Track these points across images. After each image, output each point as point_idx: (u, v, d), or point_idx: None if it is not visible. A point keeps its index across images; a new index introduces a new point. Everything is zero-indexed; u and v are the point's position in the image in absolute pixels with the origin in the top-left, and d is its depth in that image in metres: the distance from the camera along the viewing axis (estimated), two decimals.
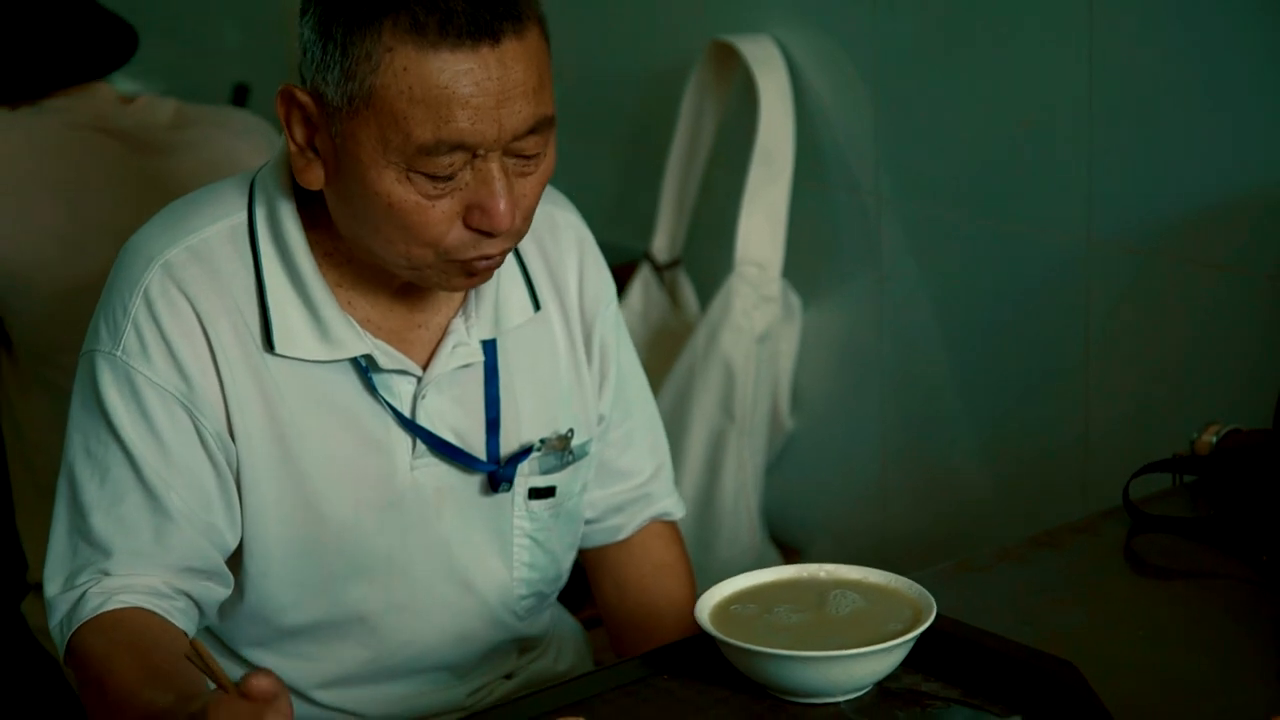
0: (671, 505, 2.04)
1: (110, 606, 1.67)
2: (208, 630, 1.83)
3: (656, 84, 3.08)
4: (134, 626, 1.67)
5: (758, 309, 2.85)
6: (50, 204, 2.41)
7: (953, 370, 2.74)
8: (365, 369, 1.76)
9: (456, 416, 1.81)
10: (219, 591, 1.75)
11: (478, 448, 1.82)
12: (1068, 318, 2.53)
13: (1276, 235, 2.26)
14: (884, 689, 1.62)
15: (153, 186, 2.49)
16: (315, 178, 1.68)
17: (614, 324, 1.96)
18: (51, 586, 1.72)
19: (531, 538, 1.89)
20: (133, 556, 1.70)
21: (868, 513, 2.94)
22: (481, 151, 1.62)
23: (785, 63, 2.85)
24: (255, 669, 1.54)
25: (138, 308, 1.71)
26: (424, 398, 1.78)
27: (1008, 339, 2.65)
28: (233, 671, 1.83)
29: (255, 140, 2.64)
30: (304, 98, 1.65)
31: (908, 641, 1.59)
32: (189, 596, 1.72)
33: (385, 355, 1.76)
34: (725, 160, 3.00)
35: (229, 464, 1.74)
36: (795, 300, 2.93)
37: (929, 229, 2.73)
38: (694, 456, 2.91)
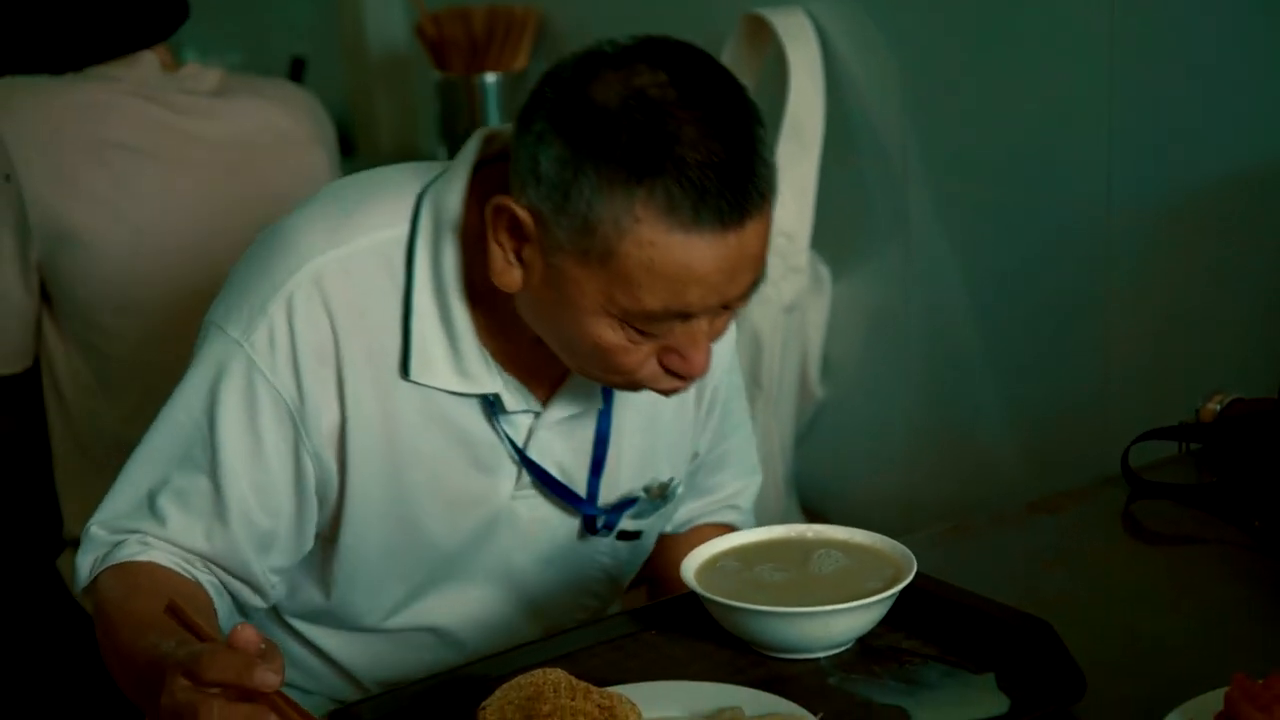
0: (739, 521, 2.07)
1: (143, 558, 1.70)
2: (274, 608, 1.87)
3: None
4: (158, 578, 1.69)
5: (785, 279, 2.88)
6: (93, 168, 2.47)
7: (979, 339, 2.76)
8: (492, 404, 1.76)
9: (564, 453, 1.82)
10: (253, 599, 1.77)
11: (579, 485, 1.84)
12: (1087, 286, 2.55)
13: None
14: (864, 645, 1.65)
15: (195, 154, 2.55)
16: (513, 282, 1.64)
17: (731, 364, 1.96)
18: (95, 523, 1.73)
19: (607, 572, 1.93)
20: (181, 535, 1.71)
21: (895, 480, 2.96)
22: (696, 314, 1.62)
23: (817, 36, 2.87)
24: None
25: (277, 309, 1.69)
26: (538, 432, 1.79)
27: (1032, 308, 2.67)
28: (287, 645, 1.89)
29: (297, 112, 2.69)
30: (524, 216, 1.60)
31: (886, 599, 1.62)
32: (222, 583, 1.75)
33: (511, 395, 1.75)
34: None
35: (322, 479, 1.74)
36: (824, 271, 2.95)
37: (956, 200, 2.75)
38: None
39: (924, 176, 2.78)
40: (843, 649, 1.65)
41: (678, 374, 1.66)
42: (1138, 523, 2.00)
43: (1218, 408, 2.09)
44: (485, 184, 1.70)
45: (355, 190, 1.78)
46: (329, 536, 1.80)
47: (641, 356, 1.64)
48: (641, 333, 1.61)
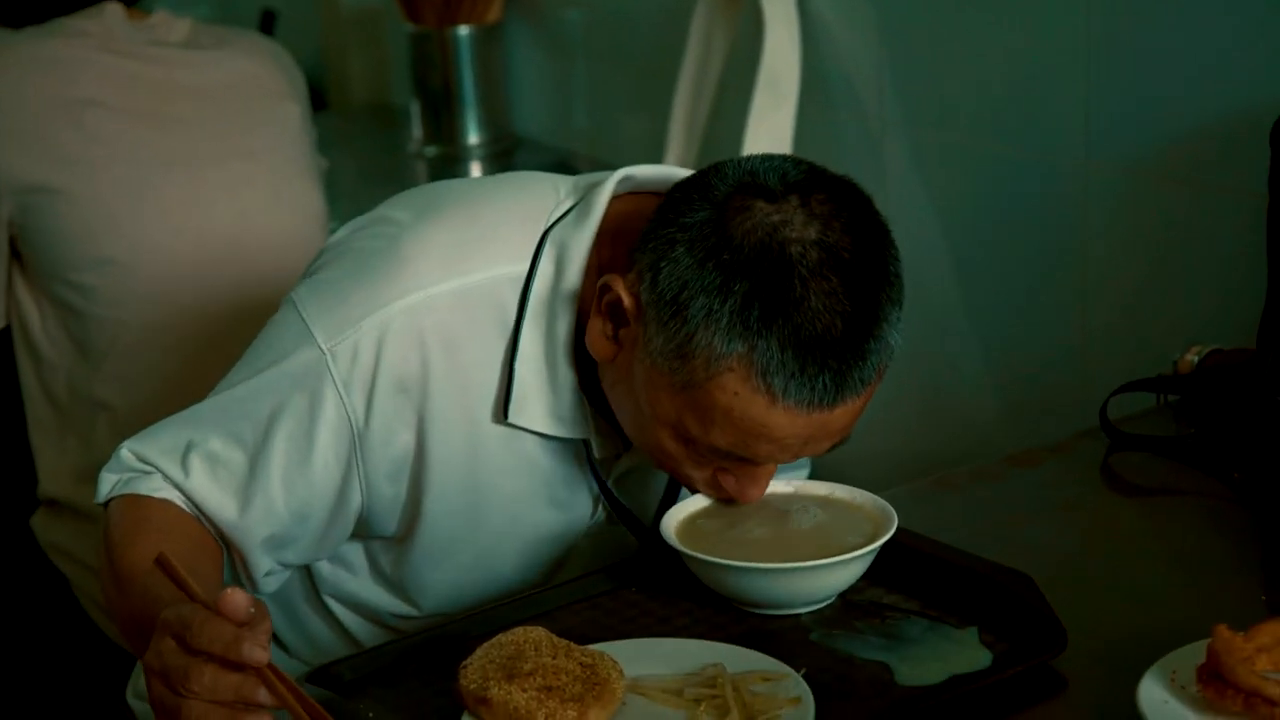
0: None
1: (161, 494, 1.67)
2: (311, 585, 1.86)
3: (668, 7, 3.09)
4: (170, 516, 1.66)
5: None
6: (64, 127, 2.45)
7: (956, 293, 2.75)
8: (585, 444, 1.74)
9: (637, 487, 1.81)
10: (242, 580, 1.75)
11: (648, 517, 1.83)
12: (1066, 238, 2.54)
13: (1266, 155, 2.25)
14: (846, 601, 1.65)
15: (164, 105, 2.52)
16: (604, 354, 1.63)
17: None
18: (128, 446, 1.70)
19: None
20: (199, 493, 1.68)
21: (875, 435, 2.94)
22: (761, 462, 1.61)
23: None
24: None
25: (369, 330, 1.65)
26: (618, 469, 1.78)
27: (1009, 261, 2.66)
28: (312, 622, 1.89)
29: (269, 64, 2.67)
30: (629, 305, 1.58)
31: (866, 554, 1.62)
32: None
33: (599, 442, 1.73)
34: (735, 86, 3.01)
35: (375, 507, 1.71)
36: None
37: (933, 153, 2.74)
38: None
39: (900, 129, 2.77)
40: (824, 604, 1.64)
41: (730, 494, 1.66)
42: (1116, 475, 2.00)
43: (1195, 359, 2.09)
44: (614, 223, 1.67)
45: (481, 213, 1.72)
46: (398, 549, 1.77)
47: (698, 471, 1.64)
48: (703, 457, 1.61)
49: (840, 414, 1.55)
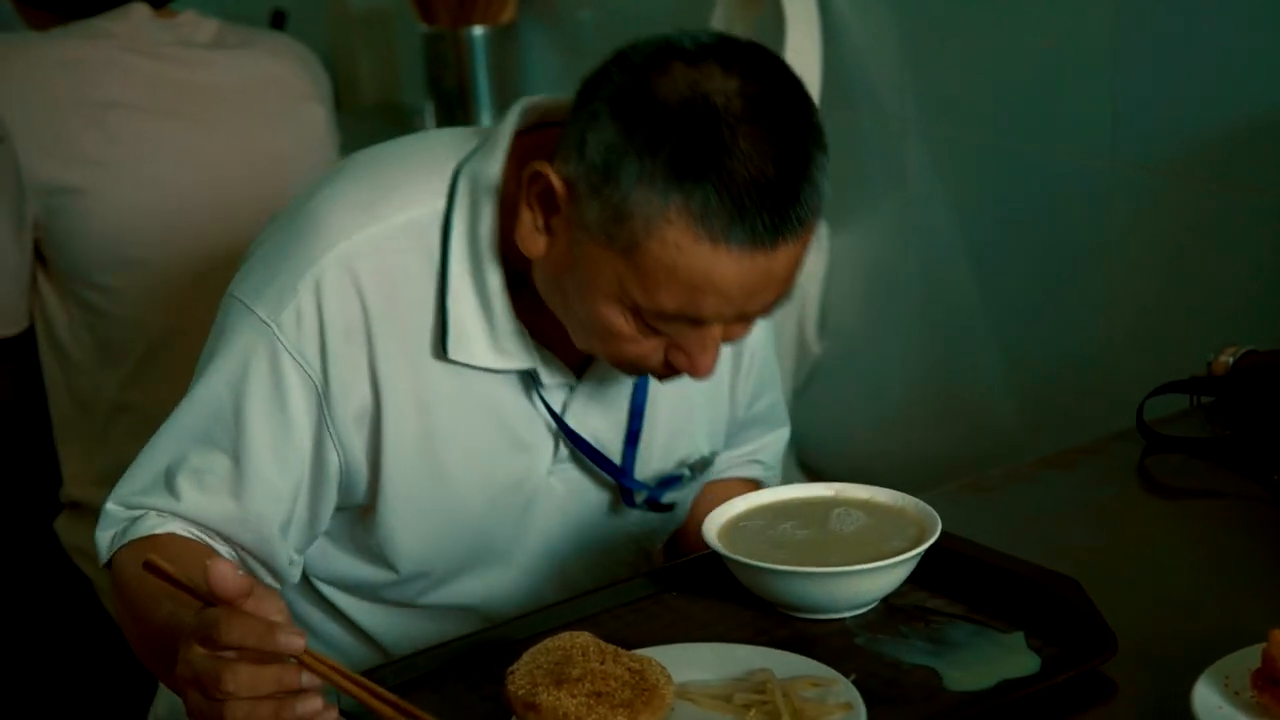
0: (764, 476, 2.06)
1: (162, 530, 1.67)
2: (304, 576, 1.85)
3: (685, 9, 3.08)
4: (174, 547, 1.66)
5: None
6: (88, 129, 2.44)
7: (979, 293, 2.75)
8: (531, 377, 1.75)
9: (598, 422, 1.80)
10: (269, 580, 1.74)
11: (615, 456, 1.82)
12: (1089, 238, 2.53)
13: None
14: (889, 605, 1.64)
15: (190, 105, 2.51)
16: (536, 249, 1.63)
17: (766, 333, 1.95)
18: (113, 500, 1.71)
19: (637, 542, 1.92)
20: (196, 512, 1.69)
21: (895, 436, 2.95)
22: (709, 322, 1.60)
23: None
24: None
25: (306, 289, 1.67)
26: (574, 403, 1.78)
27: (1033, 260, 2.65)
28: (311, 614, 1.87)
29: (295, 66, 2.66)
30: (559, 187, 1.59)
31: (913, 558, 1.61)
32: (240, 560, 1.72)
33: (547, 370, 1.74)
34: None
35: (348, 465, 1.72)
36: (822, 226, 2.93)
37: (955, 152, 2.73)
38: None
39: (922, 129, 2.76)
40: (867, 608, 1.63)
41: (681, 371, 1.65)
42: (1153, 477, 1.99)
43: (1230, 360, 2.08)
44: (524, 152, 1.68)
45: (389, 164, 1.75)
46: (367, 515, 1.77)
47: (648, 349, 1.63)
48: (651, 328, 1.60)
49: (781, 258, 1.56)
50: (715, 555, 1.65)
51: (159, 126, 2.47)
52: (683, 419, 1.85)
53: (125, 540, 1.68)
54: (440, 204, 1.70)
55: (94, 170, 2.42)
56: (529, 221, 1.62)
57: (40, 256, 2.47)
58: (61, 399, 2.53)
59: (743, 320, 1.62)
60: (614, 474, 1.82)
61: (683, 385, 1.77)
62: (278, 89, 2.59)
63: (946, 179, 2.75)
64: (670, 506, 1.89)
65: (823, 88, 2.84)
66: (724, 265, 1.54)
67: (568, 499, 1.83)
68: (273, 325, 1.67)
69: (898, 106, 2.78)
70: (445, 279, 1.69)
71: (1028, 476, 1.96)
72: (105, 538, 1.70)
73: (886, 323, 2.91)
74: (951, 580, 1.66)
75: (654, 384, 1.80)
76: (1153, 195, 2.43)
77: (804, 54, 2.82)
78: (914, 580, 1.64)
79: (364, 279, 1.67)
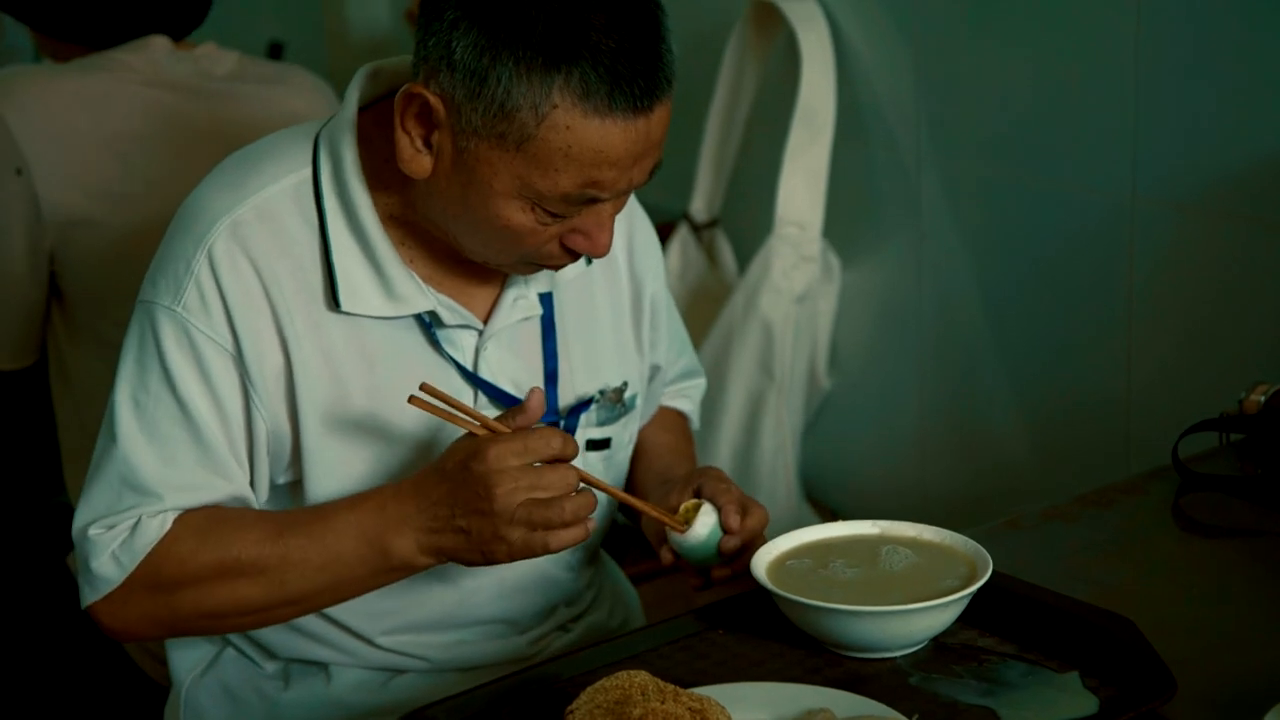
0: (690, 411, 2.13)
1: (171, 525, 1.70)
2: None
3: (698, 44, 3.07)
4: (217, 513, 1.72)
5: (797, 269, 2.85)
6: (105, 161, 2.41)
7: (992, 329, 2.74)
8: (429, 324, 1.77)
9: (516, 369, 1.83)
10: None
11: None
12: (1110, 275, 2.53)
13: None
14: (940, 644, 1.62)
15: (208, 138, 2.49)
16: (421, 169, 1.68)
17: (662, 281, 2.00)
18: (92, 530, 1.72)
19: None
20: (184, 493, 1.71)
21: (905, 472, 2.94)
22: (606, 197, 1.65)
23: (827, 21, 2.84)
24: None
25: (200, 266, 1.72)
26: (485, 351, 1.80)
27: (1048, 297, 2.64)
28: (278, 633, 1.85)
29: (313, 99, 2.64)
30: (435, 102, 1.63)
31: (965, 596, 1.59)
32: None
33: (448, 310, 1.77)
34: (765, 121, 3.00)
35: (273, 431, 1.76)
36: (834, 260, 2.92)
37: (969, 187, 2.73)
38: (732, 416, 2.91)
39: (937, 164, 2.75)
40: (918, 647, 1.62)
41: (582, 254, 1.71)
42: (1189, 516, 1.98)
43: (1262, 399, 2.07)
44: (378, 115, 1.74)
45: (250, 152, 1.82)
46: (296, 492, 1.79)
47: (547, 238, 1.69)
48: (551, 214, 1.66)
49: (655, 120, 1.64)
50: (761, 592, 1.63)
51: (176, 159, 2.44)
52: (593, 351, 1.90)
53: (142, 554, 1.70)
54: (306, 170, 1.76)
55: (112, 201, 2.40)
56: (408, 145, 1.67)
57: (55, 289, 2.44)
58: (71, 432, 2.51)
59: (628, 191, 1.69)
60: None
61: (586, 317, 1.88)
62: (295, 123, 2.56)
63: (960, 214, 2.74)
64: (605, 443, 1.90)
65: (836, 121, 2.84)
66: (613, 135, 1.61)
67: None
68: (178, 309, 1.72)
69: (912, 140, 2.78)
70: (326, 236, 1.74)
71: (1065, 514, 1.94)
72: (103, 562, 1.71)
73: (898, 358, 2.90)
74: (1001, 619, 1.64)
75: (560, 321, 1.85)
76: (1177, 231, 2.43)
77: (818, 88, 2.82)
78: (964, 619, 1.63)
79: (251, 245, 1.73)
